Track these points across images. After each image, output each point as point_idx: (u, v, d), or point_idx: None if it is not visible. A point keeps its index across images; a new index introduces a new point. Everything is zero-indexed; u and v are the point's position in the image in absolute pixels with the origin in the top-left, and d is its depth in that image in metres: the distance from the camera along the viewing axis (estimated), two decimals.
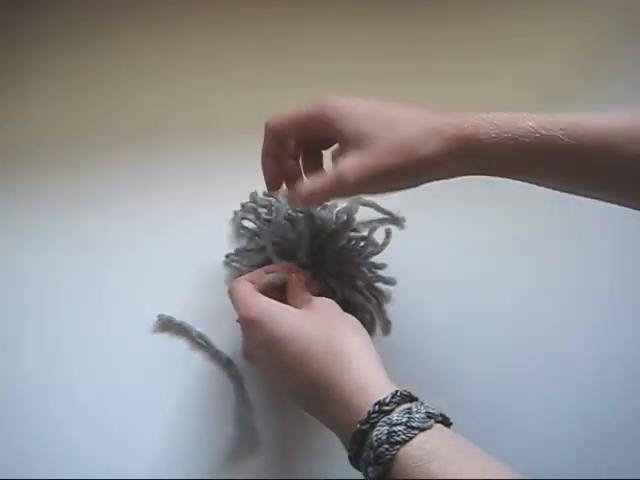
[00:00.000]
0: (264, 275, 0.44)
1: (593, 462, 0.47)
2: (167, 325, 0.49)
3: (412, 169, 0.38)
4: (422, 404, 0.34)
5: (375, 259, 0.49)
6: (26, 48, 0.60)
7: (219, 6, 0.62)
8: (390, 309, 0.50)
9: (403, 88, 0.59)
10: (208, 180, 0.55)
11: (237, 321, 0.41)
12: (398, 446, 0.32)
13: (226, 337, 0.49)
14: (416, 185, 0.40)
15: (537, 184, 0.40)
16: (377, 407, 0.33)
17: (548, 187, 0.40)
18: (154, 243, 0.52)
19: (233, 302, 0.42)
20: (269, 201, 0.52)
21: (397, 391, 0.34)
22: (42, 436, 0.46)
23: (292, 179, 0.44)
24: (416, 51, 0.62)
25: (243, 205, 0.53)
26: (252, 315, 0.39)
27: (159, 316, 0.49)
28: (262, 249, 0.49)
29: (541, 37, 0.64)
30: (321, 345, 0.37)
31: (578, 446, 0.48)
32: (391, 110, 0.40)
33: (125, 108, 0.57)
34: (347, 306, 0.45)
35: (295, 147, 0.44)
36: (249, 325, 0.40)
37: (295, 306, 0.41)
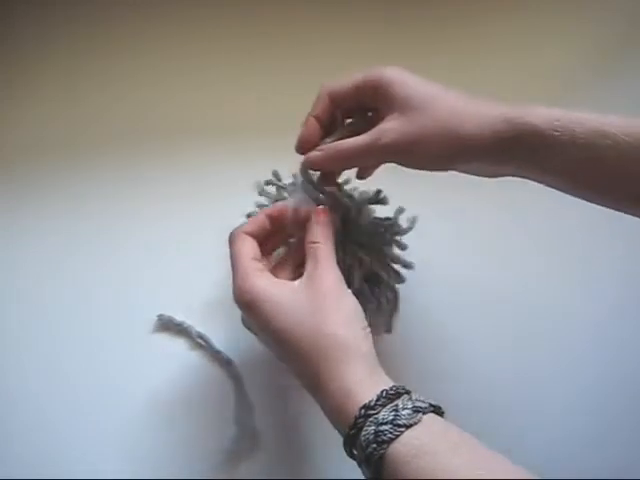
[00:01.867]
0: (265, 220, 0.42)
1: (593, 462, 0.47)
2: (167, 325, 0.49)
3: (450, 144, 0.38)
4: (410, 398, 0.34)
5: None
6: (25, 48, 0.60)
7: (219, 6, 0.62)
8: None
9: None
10: (207, 179, 0.55)
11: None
12: (385, 445, 0.32)
13: (226, 337, 0.49)
14: (448, 167, 0.40)
15: (570, 188, 0.38)
16: (363, 411, 0.33)
17: (579, 190, 0.38)
18: (154, 243, 0.52)
19: (231, 268, 0.40)
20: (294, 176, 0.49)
21: (383, 391, 0.34)
22: (41, 436, 0.46)
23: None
24: (416, 51, 0.62)
25: (266, 182, 0.50)
26: (245, 300, 0.38)
27: (159, 316, 0.49)
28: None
29: (542, 36, 0.64)
30: (311, 340, 0.36)
31: (580, 446, 0.48)
32: (443, 89, 0.40)
33: (124, 108, 0.58)
34: (369, 283, 0.45)
35: (342, 118, 0.43)
36: (244, 308, 0.39)
37: (299, 274, 0.40)
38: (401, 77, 0.40)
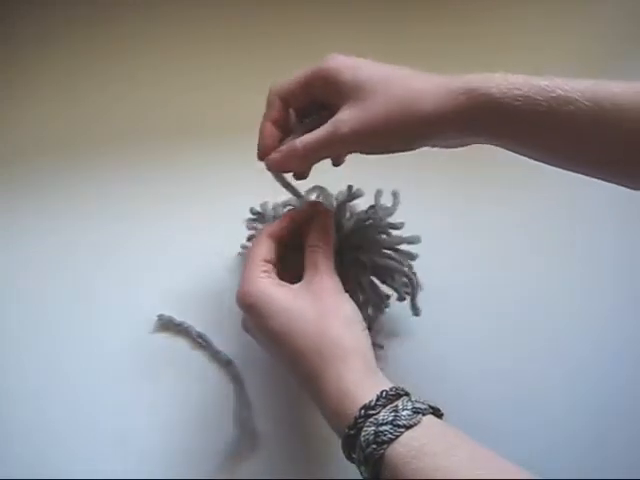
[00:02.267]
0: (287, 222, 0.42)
1: (593, 462, 0.47)
2: (167, 325, 0.49)
3: (410, 123, 0.36)
4: (410, 400, 0.34)
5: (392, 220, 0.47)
6: (25, 48, 0.60)
7: (219, 6, 0.62)
8: (390, 311, 0.49)
9: None
10: (207, 179, 0.55)
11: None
12: (385, 445, 0.32)
13: (226, 337, 0.49)
14: (412, 146, 0.38)
15: (540, 156, 0.37)
16: (363, 412, 0.33)
17: (550, 158, 0.37)
18: (154, 243, 0.52)
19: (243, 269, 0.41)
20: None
21: (383, 391, 0.34)
22: (41, 436, 0.46)
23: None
24: (416, 51, 0.62)
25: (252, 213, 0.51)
26: (247, 302, 0.39)
27: (159, 316, 0.49)
28: None
29: (542, 36, 0.64)
30: (310, 343, 0.36)
31: (579, 446, 0.48)
32: (397, 69, 0.38)
33: (124, 108, 0.58)
34: (380, 276, 0.45)
35: (296, 117, 0.42)
36: (245, 310, 0.39)
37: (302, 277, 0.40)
38: (349, 63, 0.39)
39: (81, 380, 0.47)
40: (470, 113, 0.35)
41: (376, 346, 0.47)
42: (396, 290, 0.46)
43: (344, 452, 0.34)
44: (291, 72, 0.60)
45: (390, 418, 0.32)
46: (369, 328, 0.43)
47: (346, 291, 0.40)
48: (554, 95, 0.34)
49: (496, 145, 0.37)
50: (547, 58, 0.63)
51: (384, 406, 0.33)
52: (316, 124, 0.40)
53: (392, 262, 0.46)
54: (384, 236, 0.47)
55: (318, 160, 0.41)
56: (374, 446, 0.32)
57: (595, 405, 0.49)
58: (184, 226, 0.53)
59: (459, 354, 0.49)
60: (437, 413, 0.34)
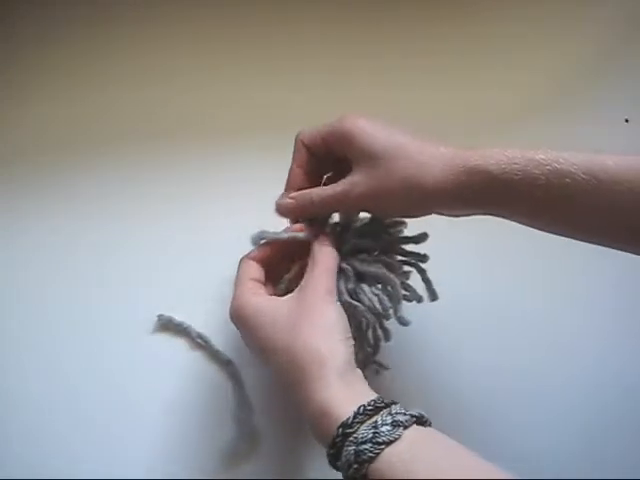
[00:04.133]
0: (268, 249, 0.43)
1: (593, 462, 0.47)
2: (167, 325, 0.49)
3: (414, 197, 0.39)
4: (390, 413, 0.33)
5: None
6: (25, 48, 0.60)
7: (219, 6, 0.62)
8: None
9: (402, 89, 0.59)
10: (207, 179, 0.55)
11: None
12: (366, 465, 0.31)
13: (226, 337, 0.49)
14: (419, 215, 0.41)
15: (543, 226, 0.39)
16: (341, 430, 0.33)
17: (553, 229, 0.39)
18: (154, 243, 0.52)
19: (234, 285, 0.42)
20: None
21: (360, 407, 0.33)
22: (41, 436, 0.46)
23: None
24: (416, 51, 0.62)
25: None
26: (236, 315, 0.40)
27: (159, 316, 0.49)
28: None
29: (542, 36, 0.64)
30: (291, 357, 0.37)
31: (580, 446, 0.48)
32: (403, 137, 0.40)
33: (124, 108, 0.57)
34: (370, 284, 0.44)
35: (320, 163, 0.44)
36: (235, 323, 0.41)
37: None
38: (362, 128, 0.40)
39: (81, 380, 0.47)
40: (471, 190, 0.37)
41: (378, 365, 0.47)
42: (405, 288, 0.45)
43: (332, 467, 0.34)
44: (291, 73, 0.60)
45: (369, 435, 0.32)
46: (376, 347, 0.44)
47: (347, 301, 0.41)
48: (550, 168, 0.36)
49: (498, 216, 0.39)
50: (547, 59, 0.63)
51: (362, 422, 0.33)
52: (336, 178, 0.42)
53: (382, 270, 0.44)
54: (387, 236, 0.45)
55: (329, 213, 0.44)
56: (356, 466, 0.32)
57: (595, 405, 0.49)
58: (184, 226, 0.53)
59: (458, 365, 0.49)
60: (421, 420, 0.34)
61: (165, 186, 0.54)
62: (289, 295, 0.40)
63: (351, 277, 0.43)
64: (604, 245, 0.38)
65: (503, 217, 0.39)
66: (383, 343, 0.45)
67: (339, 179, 0.42)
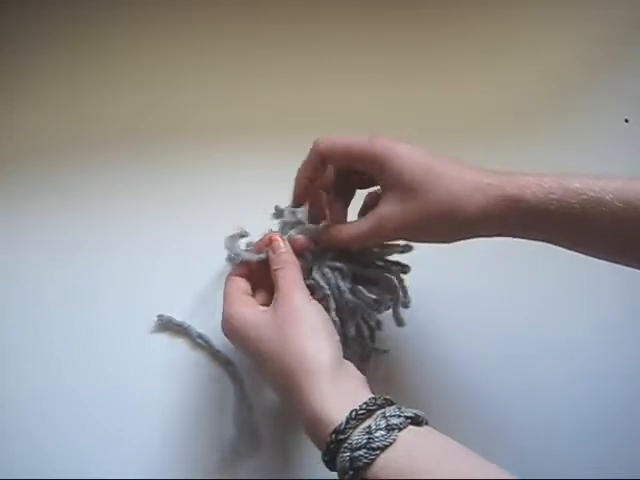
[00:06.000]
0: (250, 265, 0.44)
1: (593, 462, 0.47)
2: (167, 325, 0.49)
3: (453, 226, 0.39)
4: (384, 416, 0.33)
5: None
6: (24, 48, 0.60)
7: (219, 6, 0.62)
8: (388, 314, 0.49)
9: (402, 88, 0.59)
10: (207, 179, 0.55)
11: None
12: (362, 471, 0.31)
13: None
14: (453, 241, 0.41)
15: (580, 249, 0.39)
16: (334, 436, 0.32)
17: (590, 252, 0.39)
18: (154, 243, 0.52)
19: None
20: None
21: (352, 411, 0.33)
22: (41, 436, 0.46)
23: (316, 203, 0.45)
24: (416, 51, 0.62)
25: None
26: (227, 327, 0.41)
27: (159, 316, 0.49)
28: None
29: (542, 36, 0.64)
30: (279, 364, 0.37)
31: (580, 446, 0.48)
32: (440, 165, 0.39)
33: (124, 108, 0.57)
34: (364, 284, 0.44)
35: (333, 175, 0.44)
36: (226, 335, 0.42)
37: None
38: (397, 154, 0.39)
39: (81, 380, 0.47)
40: (509, 218, 0.38)
41: (379, 351, 0.47)
42: (391, 293, 0.45)
43: (330, 470, 0.34)
44: (291, 73, 0.60)
45: (364, 441, 0.31)
46: (372, 336, 0.44)
47: (320, 299, 0.41)
48: (586, 197, 0.36)
49: (534, 240, 0.40)
50: (547, 59, 0.63)
51: (355, 427, 0.32)
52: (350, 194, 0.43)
53: (376, 271, 0.45)
54: (376, 249, 0.45)
55: (359, 247, 0.44)
56: (352, 472, 0.31)
57: (595, 405, 0.49)
58: (184, 226, 0.53)
59: (458, 368, 0.49)
60: (417, 420, 0.33)
61: (165, 186, 0.54)
62: (270, 306, 0.40)
63: (348, 276, 0.43)
64: (633, 267, 0.39)
65: (538, 240, 0.40)
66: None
67: (346, 192, 0.42)
